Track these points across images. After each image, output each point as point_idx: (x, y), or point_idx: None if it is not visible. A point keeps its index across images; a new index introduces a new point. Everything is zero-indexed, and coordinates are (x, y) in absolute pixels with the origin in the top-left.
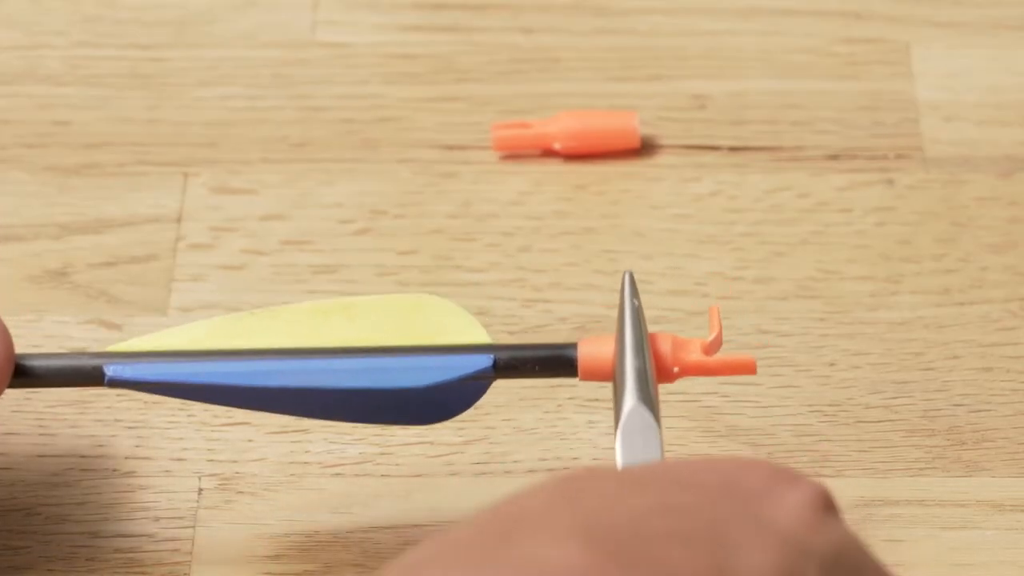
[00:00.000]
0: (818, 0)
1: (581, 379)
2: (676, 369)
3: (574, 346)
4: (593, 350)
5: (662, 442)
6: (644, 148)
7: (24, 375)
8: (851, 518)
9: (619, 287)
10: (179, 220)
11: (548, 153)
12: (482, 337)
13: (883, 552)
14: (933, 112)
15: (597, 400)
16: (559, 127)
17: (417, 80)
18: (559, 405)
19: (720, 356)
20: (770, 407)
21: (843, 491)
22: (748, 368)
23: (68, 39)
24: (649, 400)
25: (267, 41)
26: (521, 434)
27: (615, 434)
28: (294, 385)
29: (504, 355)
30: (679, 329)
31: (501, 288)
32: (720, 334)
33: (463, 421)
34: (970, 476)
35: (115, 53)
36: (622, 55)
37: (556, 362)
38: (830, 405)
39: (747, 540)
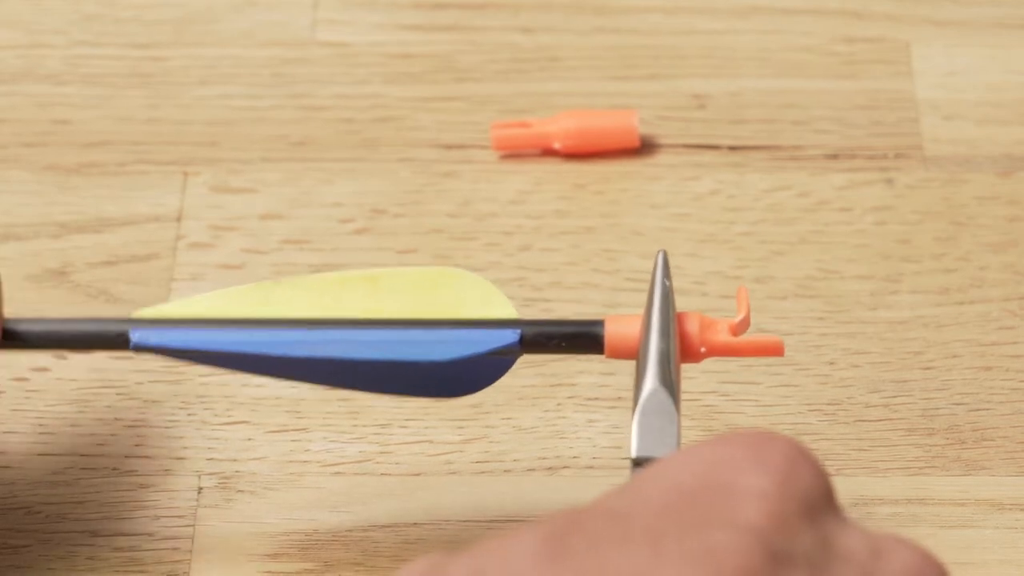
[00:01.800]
0: None
1: (607, 356)
2: (703, 349)
3: (601, 323)
4: (620, 328)
5: (679, 426)
6: (644, 147)
7: (46, 339)
8: (851, 518)
9: (650, 276)
10: (179, 219)
11: (548, 152)
12: (508, 311)
13: None
14: (933, 111)
15: (597, 399)
16: (559, 126)
17: (417, 80)
18: (559, 404)
19: (747, 337)
20: (770, 406)
21: (843, 490)
22: (776, 349)
23: (68, 38)
24: (670, 384)
25: (267, 40)
26: (521, 433)
27: (633, 415)
28: (317, 355)
29: (530, 330)
30: None
31: (501, 287)
32: (748, 315)
33: (463, 420)
34: (969, 475)
35: (115, 52)
36: (622, 54)
37: (583, 338)
38: (830, 404)
39: (731, 547)
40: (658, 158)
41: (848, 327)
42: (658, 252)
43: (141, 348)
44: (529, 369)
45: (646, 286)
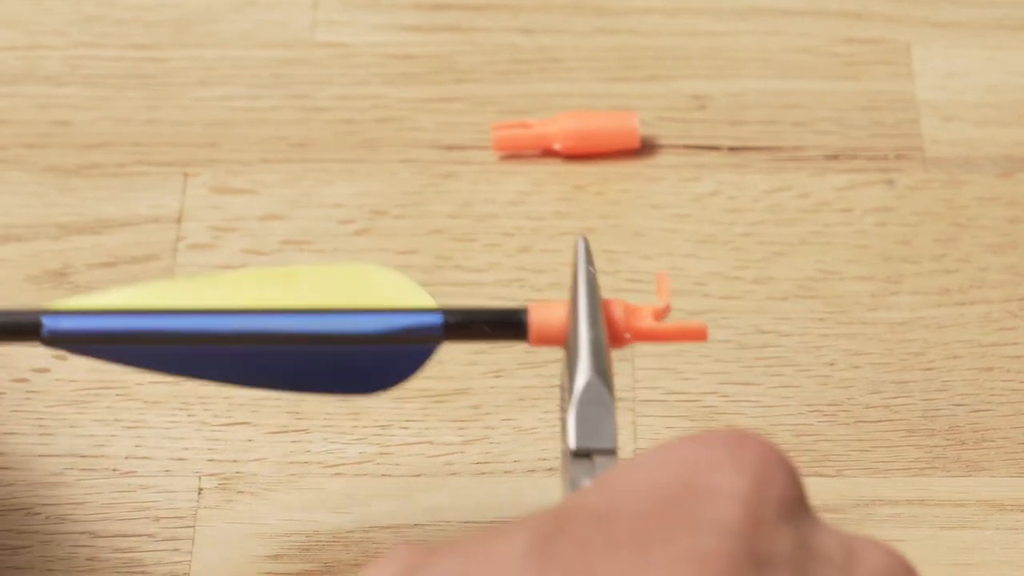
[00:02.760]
0: (818, 0)
1: (532, 344)
2: (628, 335)
3: (525, 310)
4: (545, 315)
5: (615, 415)
6: (644, 148)
7: None
8: (851, 518)
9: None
10: (179, 220)
11: (548, 153)
12: (430, 304)
13: None
14: (933, 112)
15: None
16: (559, 127)
17: (417, 80)
18: (559, 405)
19: (671, 323)
20: (770, 407)
21: (843, 491)
22: (699, 335)
23: (68, 39)
24: (604, 373)
25: (267, 41)
26: (521, 434)
27: (569, 407)
28: (231, 329)
29: (453, 316)
30: None
31: (501, 288)
32: (669, 302)
33: (463, 421)
34: (970, 476)
35: (115, 53)
36: (622, 55)
37: (506, 324)
38: (830, 405)
39: (716, 550)
40: (658, 159)
41: (848, 328)
42: (578, 239)
43: (55, 337)
44: (529, 370)
45: (648, 287)
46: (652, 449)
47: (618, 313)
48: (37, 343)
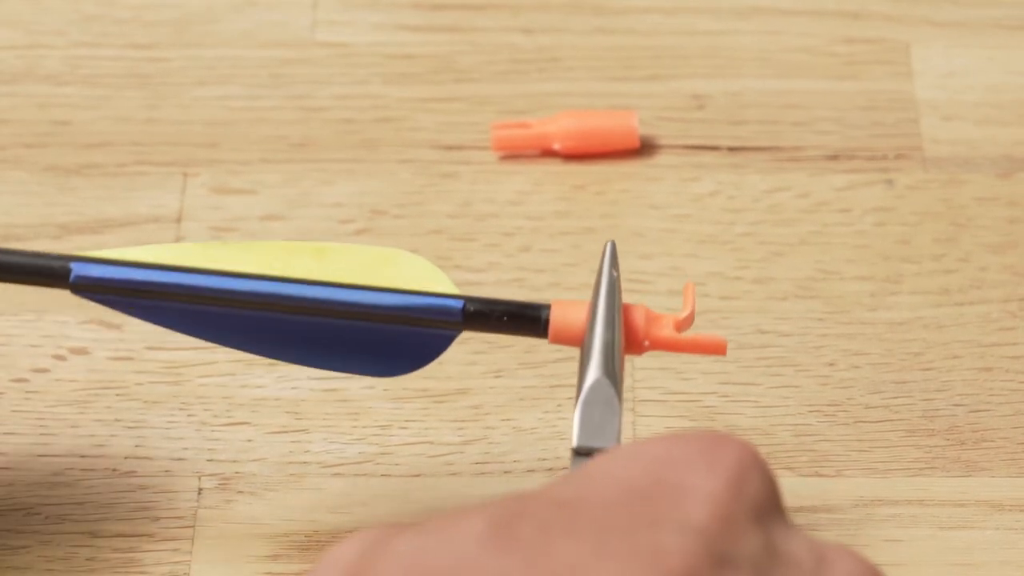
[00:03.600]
0: (817, 0)
1: (550, 341)
2: (647, 343)
3: (547, 307)
4: (566, 313)
5: (621, 416)
6: (643, 148)
7: None
8: (851, 518)
9: (601, 263)
10: (179, 220)
11: (547, 153)
12: (453, 290)
13: (883, 552)
14: (932, 112)
15: None
16: (558, 127)
17: (417, 80)
18: (559, 405)
19: (690, 334)
20: (769, 407)
21: (843, 491)
22: (718, 348)
23: (68, 39)
24: (613, 375)
25: (266, 41)
26: (521, 434)
27: (575, 404)
28: (255, 291)
29: (474, 304)
30: None
31: (501, 288)
32: (693, 312)
33: (463, 421)
34: (970, 476)
35: (115, 53)
36: (621, 55)
37: (526, 319)
38: (829, 405)
39: (675, 548)
40: (658, 159)
41: (848, 328)
42: (607, 242)
43: (81, 283)
44: (529, 370)
45: (647, 287)
46: (629, 444)
47: (639, 320)
48: (65, 288)
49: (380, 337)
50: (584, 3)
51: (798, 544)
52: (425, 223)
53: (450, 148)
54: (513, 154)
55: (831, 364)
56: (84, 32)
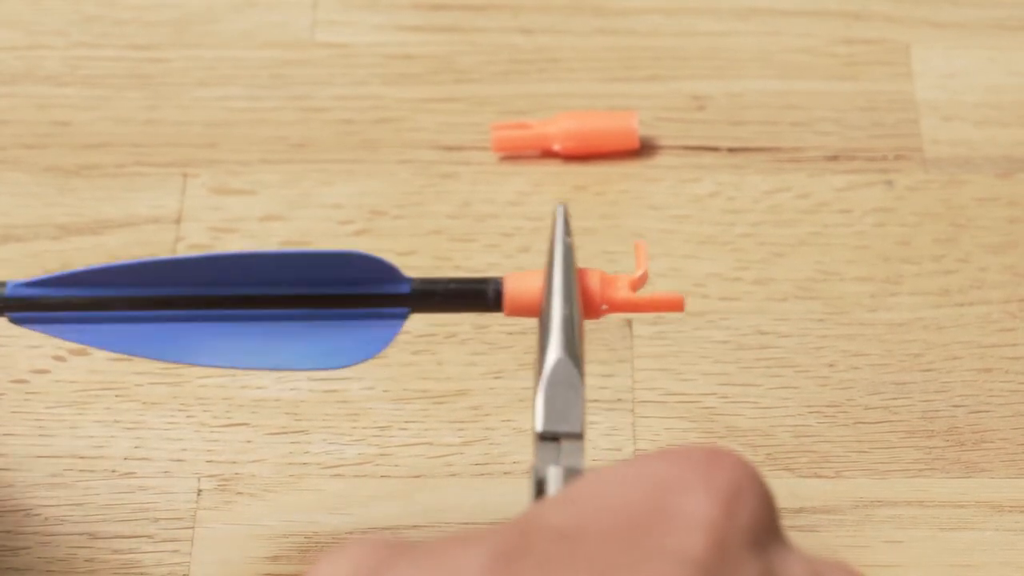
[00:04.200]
0: (817, 0)
1: (506, 314)
2: (604, 307)
3: (494, 280)
4: (519, 284)
5: (584, 396)
6: (643, 149)
7: None
8: (850, 519)
9: (553, 229)
10: (178, 221)
11: (547, 154)
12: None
13: (882, 553)
14: (932, 112)
15: (596, 401)
16: (558, 128)
17: (417, 80)
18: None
19: (647, 293)
20: (769, 408)
21: (842, 492)
22: (676, 305)
23: (68, 39)
24: (574, 352)
25: (266, 41)
26: (521, 435)
27: (536, 386)
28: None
29: (421, 284)
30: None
31: None
32: (646, 271)
33: (463, 422)
34: (969, 477)
35: (115, 53)
36: (621, 55)
37: (471, 293)
38: (829, 406)
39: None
40: (658, 160)
41: (848, 329)
42: (557, 206)
43: (14, 303)
44: (529, 371)
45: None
46: (623, 463)
47: (594, 284)
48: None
49: (331, 329)
50: (584, 4)
51: (796, 565)
52: (425, 224)
53: (450, 149)
54: (513, 155)
55: (831, 365)
56: (84, 33)
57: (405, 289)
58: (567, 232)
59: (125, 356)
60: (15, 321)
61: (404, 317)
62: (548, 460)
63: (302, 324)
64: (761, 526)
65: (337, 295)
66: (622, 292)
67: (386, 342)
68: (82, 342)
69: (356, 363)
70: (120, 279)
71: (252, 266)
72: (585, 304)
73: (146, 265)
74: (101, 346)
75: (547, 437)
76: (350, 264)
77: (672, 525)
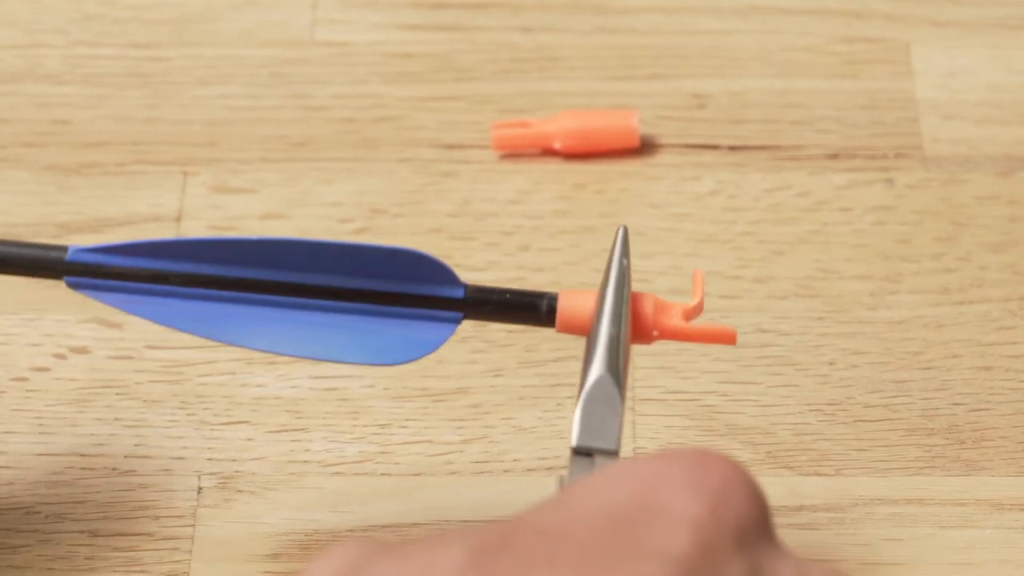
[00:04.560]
0: None
1: (558, 330)
2: (656, 332)
3: (548, 295)
4: (574, 302)
5: (623, 416)
6: (644, 147)
7: None
8: (850, 517)
9: (612, 250)
10: (179, 219)
11: (548, 152)
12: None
13: (883, 551)
14: (933, 111)
15: None
16: (559, 126)
17: (417, 79)
18: (559, 404)
19: (700, 323)
20: (769, 406)
21: (842, 490)
22: (728, 338)
23: (67, 38)
24: (616, 371)
25: (266, 40)
26: (521, 433)
27: (577, 399)
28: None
29: (476, 292)
30: None
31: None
32: (702, 301)
33: (463, 420)
34: (969, 475)
35: (114, 52)
36: (622, 54)
37: (525, 306)
38: (829, 404)
39: (647, 574)
40: (658, 158)
41: (848, 327)
42: (619, 227)
43: (75, 267)
44: (529, 369)
45: (647, 287)
46: (614, 464)
47: (647, 309)
48: (59, 278)
49: (382, 325)
50: (585, 2)
51: (784, 567)
52: (425, 222)
53: (450, 147)
54: (513, 153)
55: (831, 363)
56: (84, 31)
57: (459, 294)
58: (624, 254)
59: (172, 330)
60: (71, 286)
61: (457, 322)
62: (580, 473)
63: (353, 317)
64: (749, 526)
65: (392, 292)
66: (675, 320)
67: (436, 345)
68: (135, 312)
69: (404, 362)
70: (178, 253)
71: (311, 253)
72: (636, 328)
73: (205, 243)
74: (151, 318)
75: (581, 452)
76: (408, 262)
77: (657, 524)
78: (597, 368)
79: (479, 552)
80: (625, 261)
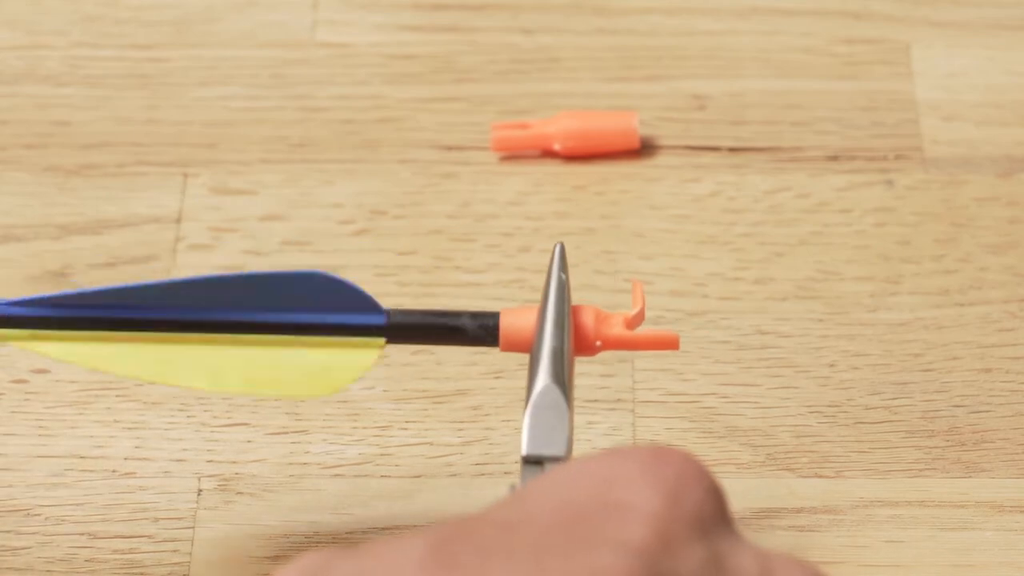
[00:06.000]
0: (818, 0)
1: (502, 349)
2: (598, 343)
3: (496, 315)
4: (515, 320)
5: (571, 423)
6: (644, 148)
7: None
8: (851, 519)
9: (550, 266)
10: (179, 220)
11: (548, 153)
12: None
13: (883, 553)
14: (933, 112)
15: (596, 401)
16: (559, 127)
17: (417, 80)
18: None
19: (643, 330)
20: (770, 408)
21: (843, 492)
22: (671, 343)
23: (68, 39)
24: (562, 380)
25: (267, 41)
26: (521, 435)
27: (524, 410)
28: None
29: (399, 317)
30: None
31: (501, 289)
32: (643, 309)
33: (463, 422)
34: (970, 477)
35: (115, 53)
36: (622, 55)
37: (446, 328)
38: (830, 406)
39: (615, 568)
40: (658, 159)
41: (848, 329)
42: (555, 245)
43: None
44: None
45: (648, 288)
46: (572, 461)
47: (588, 320)
48: None
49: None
50: (584, 3)
51: (744, 556)
52: (425, 223)
53: (450, 148)
54: (513, 154)
55: (831, 365)
56: (84, 32)
57: (381, 320)
58: (562, 269)
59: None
60: None
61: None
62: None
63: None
64: (708, 516)
65: (307, 324)
66: (616, 329)
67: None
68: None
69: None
70: (93, 302)
71: (219, 288)
72: (578, 340)
73: (118, 291)
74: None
75: (531, 461)
76: (324, 288)
77: (615, 516)
78: (543, 378)
79: (439, 544)
80: (563, 275)
